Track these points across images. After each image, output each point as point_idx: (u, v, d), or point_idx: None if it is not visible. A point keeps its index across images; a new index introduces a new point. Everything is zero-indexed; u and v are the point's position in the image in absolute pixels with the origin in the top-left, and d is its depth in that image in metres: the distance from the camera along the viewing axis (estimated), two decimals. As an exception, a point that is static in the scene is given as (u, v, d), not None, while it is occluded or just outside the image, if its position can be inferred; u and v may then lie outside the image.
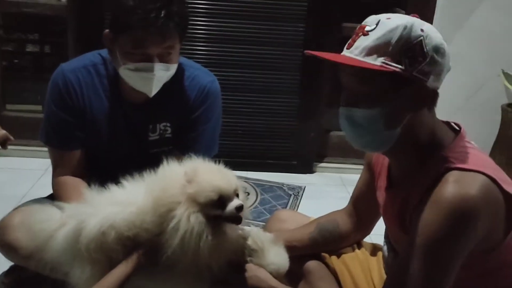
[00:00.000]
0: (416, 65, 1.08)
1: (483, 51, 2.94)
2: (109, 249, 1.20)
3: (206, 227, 1.16)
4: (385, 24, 1.10)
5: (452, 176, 1.08)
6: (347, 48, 1.14)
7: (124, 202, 1.23)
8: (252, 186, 2.88)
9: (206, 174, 1.19)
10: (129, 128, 1.72)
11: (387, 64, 1.08)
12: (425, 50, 1.09)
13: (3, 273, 1.82)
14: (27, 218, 1.40)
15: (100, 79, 1.68)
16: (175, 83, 1.68)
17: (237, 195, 1.21)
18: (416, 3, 2.97)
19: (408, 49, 1.08)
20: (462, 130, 1.22)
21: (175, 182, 1.18)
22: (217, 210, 1.17)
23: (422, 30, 1.10)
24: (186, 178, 1.17)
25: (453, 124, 1.25)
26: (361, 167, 1.54)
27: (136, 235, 1.19)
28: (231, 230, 1.22)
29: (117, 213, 1.20)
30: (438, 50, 1.11)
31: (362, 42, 1.10)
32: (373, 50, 1.09)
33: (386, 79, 1.09)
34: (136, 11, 1.47)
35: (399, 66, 1.08)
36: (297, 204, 2.76)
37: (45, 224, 1.30)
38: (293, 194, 2.87)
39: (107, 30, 1.58)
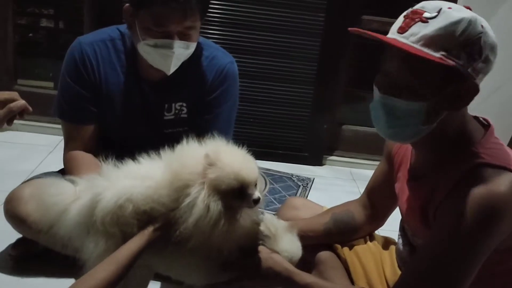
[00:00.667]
0: (472, 62, 1.05)
1: (499, 54, 2.89)
2: (125, 223, 1.18)
3: (224, 215, 1.13)
4: (448, 15, 1.04)
5: (483, 172, 1.06)
6: (399, 32, 1.08)
7: (141, 176, 1.20)
8: (261, 175, 2.86)
9: (229, 159, 1.15)
10: (145, 106, 1.70)
11: (446, 57, 1.03)
12: (482, 47, 1.05)
13: (10, 245, 1.82)
14: (39, 191, 1.37)
15: (118, 54, 1.67)
16: (193, 62, 1.66)
17: (256, 185, 1.18)
18: (438, -1, 2.94)
19: (468, 45, 1.04)
20: (491, 126, 1.19)
21: (195, 160, 1.15)
22: (235, 200, 1.14)
23: (482, 26, 1.05)
24: (208, 161, 1.13)
25: (481, 119, 1.22)
26: (372, 162, 1.53)
27: (152, 209, 1.17)
28: (245, 216, 1.20)
29: (135, 186, 1.18)
30: (493, 48, 1.08)
31: (421, 30, 1.05)
32: (434, 41, 1.03)
33: (439, 72, 1.05)
34: None
35: (459, 62, 1.04)
36: (306, 195, 2.74)
37: (58, 197, 1.28)
38: (302, 185, 2.85)
39: (127, 4, 1.55)
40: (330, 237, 1.50)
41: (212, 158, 1.14)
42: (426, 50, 1.04)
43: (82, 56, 1.64)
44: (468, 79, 1.06)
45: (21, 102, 1.24)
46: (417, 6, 1.09)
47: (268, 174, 2.91)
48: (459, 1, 2.89)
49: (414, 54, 1.03)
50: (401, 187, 1.33)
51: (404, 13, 1.11)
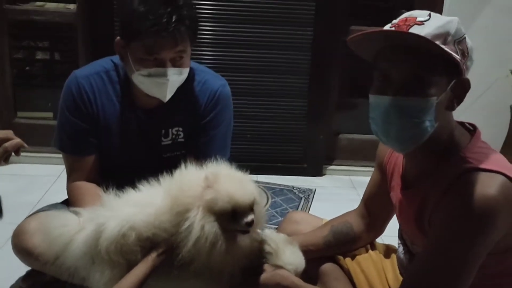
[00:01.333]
0: (464, 58, 1.11)
1: (491, 53, 2.94)
2: (129, 251, 1.21)
3: (220, 236, 1.16)
4: (439, 16, 1.11)
5: (472, 176, 1.09)
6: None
7: (142, 203, 1.24)
8: (263, 189, 2.90)
9: (225, 183, 1.19)
10: (142, 133, 1.74)
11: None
12: (468, 46, 1.12)
13: (20, 277, 1.86)
14: (44, 224, 1.41)
15: (113, 85, 1.71)
16: (187, 88, 1.70)
17: (252, 208, 1.21)
18: (423, 6, 2.98)
19: (460, 42, 1.10)
20: (477, 131, 1.23)
21: (194, 183, 1.20)
22: (228, 222, 1.18)
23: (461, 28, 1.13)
24: (206, 183, 1.18)
25: (467, 124, 1.26)
26: (371, 169, 1.55)
27: (155, 235, 1.21)
28: (245, 237, 1.23)
29: (136, 214, 1.21)
30: (472, 49, 1.14)
31: (421, 30, 1.08)
32: (436, 38, 1.08)
33: (444, 68, 1.10)
34: (147, 16, 1.49)
35: (458, 56, 1.09)
36: (308, 206, 2.77)
37: (63, 229, 1.31)
38: (304, 197, 2.88)
39: (118, 38, 1.59)
40: (331, 249, 1.53)
41: (210, 180, 1.18)
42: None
43: (79, 89, 1.68)
44: (463, 75, 1.11)
45: (16, 140, 1.26)
46: (405, 15, 1.14)
47: (268, 188, 2.94)
48: (445, 6, 2.96)
49: (433, 45, 1.06)
50: (396, 196, 1.36)
51: (391, 23, 1.15)
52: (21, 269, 1.81)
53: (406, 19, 1.12)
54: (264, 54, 2.99)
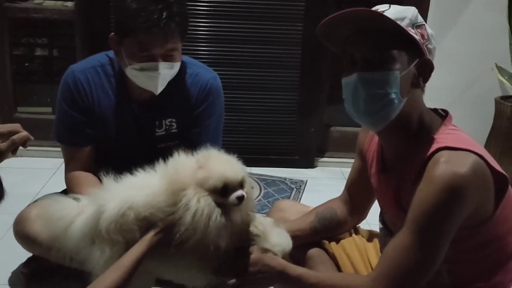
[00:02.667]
0: (424, 41, 1.21)
1: (476, 46, 3.01)
2: (128, 230, 1.28)
3: (215, 209, 1.24)
4: (397, 6, 1.22)
5: (442, 155, 1.15)
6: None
7: (140, 186, 1.31)
8: (255, 180, 2.97)
9: (215, 162, 1.28)
10: (136, 124, 1.80)
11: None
12: (428, 32, 1.23)
13: (22, 263, 1.93)
14: (45, 209, 1.47)
15: (108, 78, 1.77)
16: (178, 80, 1.76)
17: (242, 186, 1.28)
18: (410, 2, 3.05)
19: (419, 26, 1.21)
20: (449, 115, 1.30)
21: (188, 166, 1.28)
22: (221, 198, 1.26)
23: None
24: (198, 164, 1.27)
25: (440, 111, 1.33)
26: (358, 157, 1.61)
27: (152, 215, 1.28)
28: (237, 213, 1.30)
29: (135, 195, 1.28)
30: (433, 36, 1.24)
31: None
32: (396, 20, 1.18)
33: (404, 45, 1.19)
34: (139, 14, 1.55)
35: (417, 37, 1.19)
36: (299, 197, 2.84)
37: (64, 212, 1.37)
38: (295, 187, 2.95)
39: (112, 34, 1.66)
40: (317, 235, 1.58)
41: (202, 161, 1.27)
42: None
43: (76, 82, 1.74)
44: (425, 55, 1.21)
45: (24, 133, 1.30)
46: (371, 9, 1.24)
47: (261, 179, 3.01)
48: (432, 1, 3.02)
49: (393, 24, 1.16)
50: (376, 181, 1.43)
51: None
52: (23, 255, 1.88)
53: (370, 12, 1.22)
54: (256, 49, 3.05)
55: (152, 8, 1.55)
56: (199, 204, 1.23)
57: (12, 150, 1.31)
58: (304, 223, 1.59)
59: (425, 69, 1.23)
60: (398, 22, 1.18)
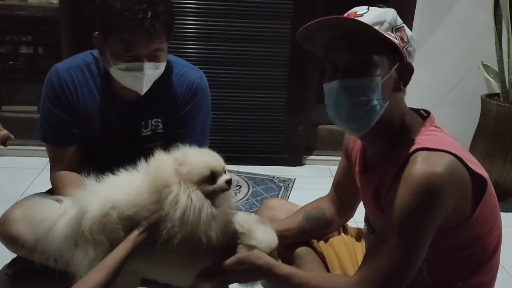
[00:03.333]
0: (403, 44, 1.21)
1: (462, 45, 3.03)
2: (111, 230, 1.27)
3: (205, 201, 1.25)
4: (375, 9, 1.21)
5: (419, 156, 1.16)
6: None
7: (122, 185, 1.31)
8: (244, 179, 2.97)
9: (195, 155, 1.29)
10: (122, 124, 1.78)
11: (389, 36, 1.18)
12: (407, 34, 1.23)
13: (6, 264, 1.91)
14: (28, 211, 1.46)
15: (93, 77, 1.75)
16: (165, 80, 1.74)
17: (225, 172, 1.30)
18: (397, 0, 3.06)
19: (398, 29, 1.20)
20: (431, 116, 1.31)
21: (168, 163, 1.28)
22: (210, 186, 1.26)
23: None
24: (177, 162, 1.26)
25: (422, 111, 1.34)
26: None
27: (136, 213, 1.27)
28: (224, 203, 1.31)
29: (117, 194, 1.28)
30: (412, 38, 1.24)
31: (362, 20, 1.17)
32: (374, 25, 1.17)
33: (384, 50, 1.19)
34: (123, 13, 1.52)
35: (396, 40, 1.19)
36: (288, 195, 2.85)
37: (46, 214, 1.36)
38: (284, 186, 2.95)
39: (96, 33, 1.64)
40: (305, 234, 1.59)
41: (180, 159, 1.27)
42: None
43: (60, 81, 1.72)
44: (405, 58, 1.21)
45: (3, 132, 1.29)
46: (348, 12, 1.23)
47: (249, 178, 3.01)
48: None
49: (371, 30, 1.16)
50: (359, 180, 1.44)
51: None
52: (7, 256, 1.86)
53: (348, 14, 1.22)
54: (244, 48, 3.04)
55: (137, 8, 1.52)
56: (190, 199, 1.22)
57: None
58: (292, 223, 1.59)
59: (405, 73, 1.24)
60: (377, 27, 1.17)
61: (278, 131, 3.24)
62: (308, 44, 1.29)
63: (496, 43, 2.88)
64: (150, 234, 1.27)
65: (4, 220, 1.71)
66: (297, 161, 3.29)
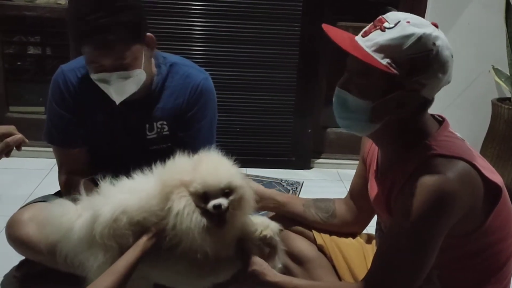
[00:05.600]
0: (415, 74, 1.15)
1: (473, 48, 3.01)
2: (121, 235, 1.26)
3: (196, 209, 1.22)
4: (403, 28, 1.14)
5: (434, 162, 1.15)
6: (362, 36, 1.20)
7: (134, 189, 1.30)
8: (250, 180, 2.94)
9: (205, 166, 1.25)
10: (127, 126, 1.76)
11: (390, 65, 1.14)
12: (428, 64, 1.14)
13: (14, 267, 1.89)
14: (43, 214, 1.44)
15: None
16: (169, 82, 1.73)
17: (228, 194, 1.24)
18: (408, 2, 3.04)
19: (413, 58, 1.14)
20: (445, 121, 1.29)
21: (182, 168, 1.26)
22: (201, 203, 1.24)
23: (434, 44, 1.14)
24: (192, 166, 1.25)
25: (436, 116, 1.32)
26: (358, 162, 1.60)
27: (145, 219, 1.26)
28: (233, 221, 1.27)
29: (128, 199, 1.27)
30: (443, 67, 1.16)
31: (377, 37, 1.16)
32: (384, 49, 1.14)
33: (384, 78, 1.16)
34: (77, 23, 1.49)
35: (401, 71, 1.14)
36: (295, 199, 2.83)
37: (63, 218, 1.35)
38: (292, 189, 2.94)
39: None
40: (306, 216, 1.59)
41: (194, 163, 1.25)
42: (376, 55, 1.15)
43: (66, 82, 1.71)
44: (409, 89, 1.16)
45: (18, 136, 1.29)
46: (385, 15, 1.19)
47: (257, 181, 2.97)
48: (429, 2, 3.01)
49: (362, 60, 1.14)
50: (371, 184, 1.42)
51: (373, 22, 1.22)
52: (15, 258, 1.85)
53: (380, 20, 1.19)
54: (253, 49, 3.03)
55: (90, 17, 1.46)
56: (180, 203, 1.21)
57: (6, 153, 1.30)
58: (298, 199, 1.64)
59: (413, 101, 1.19)
60: (385, 53, 1.14)
61: (286, 134, 3.23)
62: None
63: (507, 46, 2.86)
64: (159, 240, 1.26)
65: (13, 222, 1.71)
66: (305, 164, 3.27)
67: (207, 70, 1.86)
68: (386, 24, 1.16)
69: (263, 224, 1.35)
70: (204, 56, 2.98)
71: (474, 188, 1.15)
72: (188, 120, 1.77)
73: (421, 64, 1.14)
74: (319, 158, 3.35)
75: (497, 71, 2.99)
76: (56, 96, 1.73)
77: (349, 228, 1.62)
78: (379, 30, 1.16)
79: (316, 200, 1.62)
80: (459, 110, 2.99)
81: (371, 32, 1.17)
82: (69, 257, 1.33)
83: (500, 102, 2.85)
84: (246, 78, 3.09)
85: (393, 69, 1.14)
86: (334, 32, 1.20)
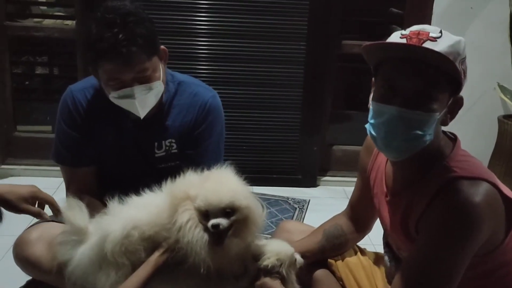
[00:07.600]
0: (465, 77, 1.16)
1: (478, 66, 3.00)
2: (133, 251, 1.26)
3: (198, 223, 1.23)
4: (448, 35, 1.14)
5: (458, 184, 1.14)
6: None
7: (143, 205, 1.30)
8: (258, 200, 2.93)
9: (211, 183, 1.26)
10: (135, 145, 1.77)
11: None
12: (467, 66, 1.17)
13: (21, 287, 1.85)
14: (49, 232, 1.46)
15: (106, 98, 1.71)
16: (177, 100, 1.74)
17: (229, 213, 1.24)
18: (412, 21, 3.05)
19: (463, 62, 1.15)
20: (458, 140, 1.28)
21: (191, 184, 1.27)
22: (203, 220, 1.24)
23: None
24: (200, 180, 1.26)
25: (448, 133, 1.31)
26: (362, 178, 1.60)
27: (157, 234, 1.26)
28: (232, 243, 1.26)
29: (138, 214, 1.27)
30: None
31: (434, 46, 1.10)
32: (449, 56, 1.10)
33: (447, 85, 1.14)
34: (96, 43, 1.50)
35: (462, 76, 1.15)
36: (302, 217, 2.82)
37: (72, 238, 1.36)
38: (298, 207, 2.93)
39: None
40: (325, 253, 1.57)
41: (203, 179, 1.26)
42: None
43: (74, 102, 1.72)
44: (459, 93, 1.17)
45: (33, 209, 1.37)
46: (416, 28, 1.15)
47: (264, 199, 2.93)
48: (433, 22, 3.02)
49: (449, 62, 1.09)
50: (380, 202, 1.41)
51: (400, 34, 1.17)
52: (22, 278, 1.82)
53: (418, 33, 1.14)
54: (259, 68, 3.06)
55: (108, 35, 1.49)
56: (183, 217, 1.22)
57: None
58: (312, 243, 1.58)
59: (455, 107, 1.19)
60: (452, 58, 1.10)
61: (292, 152, 3.23)
62: (365, 53, 1.21)
63: (512, 63, 2.86)
64: (170, 256, 1.26)
65: (20, 242, 1.70)
66: (312, 182, 3.27)
67: (214, 89, 1.87)
68: (432, 34, 1.13)
69: (272, 251, 1.33)
70: (211, 74, 3.01)
71: (498, 208, 1.15)
72: (196, 137, 1.78)
73: (466, 67, 1.16)
74: (325, 175, 3.35)
75: (502, 88, 2.99)
76: (65, 116, 1.74)
77: (355, 239, 1.63)
78: (429, 41, 1.12)
79: (327, 235, 1.57)
80: (465, 127, 2.97)
81: (422, 44, 1.11)
82: (79, 283, 1.32)
83: (506, 119, 2.85)
84: (252, 96, 3.11)
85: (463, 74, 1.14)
86: (394, 42, 1.15)
